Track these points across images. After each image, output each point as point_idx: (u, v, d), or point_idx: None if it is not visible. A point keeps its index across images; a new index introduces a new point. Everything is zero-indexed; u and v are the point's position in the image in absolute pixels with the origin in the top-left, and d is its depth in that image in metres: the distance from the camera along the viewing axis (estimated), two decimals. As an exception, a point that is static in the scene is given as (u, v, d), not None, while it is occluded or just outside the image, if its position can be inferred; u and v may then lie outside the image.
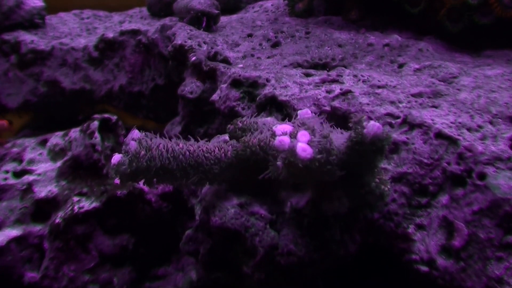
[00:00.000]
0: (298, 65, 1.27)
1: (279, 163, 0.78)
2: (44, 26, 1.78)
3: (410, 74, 1.18)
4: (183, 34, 1.35)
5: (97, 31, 1.77)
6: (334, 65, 1.27)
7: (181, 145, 0.86)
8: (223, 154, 0.87)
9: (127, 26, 1.63)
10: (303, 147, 0.76)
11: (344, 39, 1.37)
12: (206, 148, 0.87)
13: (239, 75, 1.17)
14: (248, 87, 1.15)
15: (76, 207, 1.25)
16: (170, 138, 0.87)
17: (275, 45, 1.39)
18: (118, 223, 1.28)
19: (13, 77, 1.68)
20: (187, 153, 0.85)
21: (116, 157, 0.83)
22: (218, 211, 0.88)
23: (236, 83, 1.17)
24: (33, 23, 1.75)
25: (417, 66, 1.21)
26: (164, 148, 0.85)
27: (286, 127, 0.82)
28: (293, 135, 0.78)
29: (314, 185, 0.84)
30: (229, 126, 0.94)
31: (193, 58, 1.28)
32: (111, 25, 1.81)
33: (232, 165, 0.87)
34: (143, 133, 0.86)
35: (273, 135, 0.82)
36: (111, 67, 1.59)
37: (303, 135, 0.77)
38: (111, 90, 1.58)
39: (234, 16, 1.59)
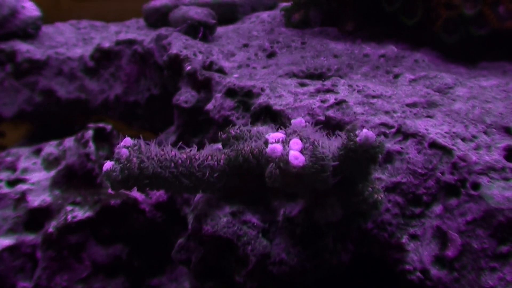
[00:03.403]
0: (294, 75, 1.27)
1: (271, 170, 0.77)
2: (39, 36, 1.78)
3: (405, 84, 1.18)
4: (178, 43, 1.35)
5: (93, 41, 1.77)
6: (330, 75, 1.27)
7: (173, 152, 0.86)
8: (215, 163, 0.87)
9: (123, 36, 1.63)
10: (295, 155, 0.75)
11: (339, 50, 1.37)
12: (199, 156, 0.87)
13: (234, 84, 1.16)
14: (242, 97, 1.15)
15: (69, 216, 1.24)
16: (163, 146, 0.86)
17: (271, 55, 1.39)
18: (112, 233, 1.27)
19: (8, 86, 1.68)
20: (180, 161, 0.85)
21: (108, 164, 0.82)
22: (210, 219, 0.87)
23: (230, 92, 1.16)
24: (28, 32, 1.75)
25: (412, 77, 1.20)
26: (156, 156, 0.84)
27: (279, 135, 0.81)
28: (285, 143, 0.78)
29: (307, 193, 0.83)
30: (221, 133, 0.94)
31: (188, 68, 1.28)
32: (108, 35, 1.81)
33: (225, 173, 0.87)
34: (135, 141, 0.86)
35: (267, 143, 0.81)
36: (107, 76, 1.59)
37: (295, 143, 0.77)
38: (106, 100, 1.58)
39: (231, 27, 1.59)
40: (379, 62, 1.31)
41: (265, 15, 1.67)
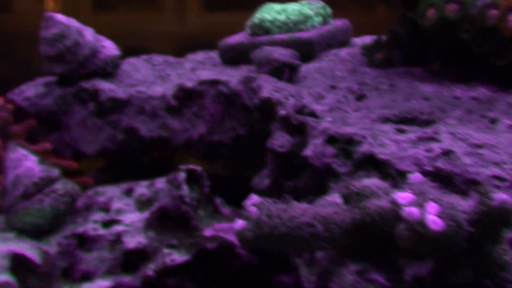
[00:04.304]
0: (387, 119, 1.28)
1: (404, 232, 0.79)
2: (118, 74, 1.82)
3: (504, 131, 1.18)
4: (269, 86, 1.37)
5: (170, 78, 1.80)
6: (423, 119, 1.28)
7: (299, 210, 0.87)
8: (340, 220, 0.88)
9: (204, 75, 1.66)
10: (434, 220, 0.76)
11: (429, 92, 1.38)
12: (324, 213, 0.88)
13: (335, 132, 1.18)
14: (343, 144, 1.17)
15: (167, 259, 1.27)
16: (287, 203, 0.88)
17: (360, 97, 1.40)
18: (208, 276, 1.29)
19: (91, 125, 1.72)
20: (307, 219, 0.87)
21: (240, 223, 0.84)
22: (336, 277, 0.88)
23: (331, 139, 1.18)
24: (108, 71, 1.78)
25: (510, 122, 1.21)
26: (285, 215, 0.86)
27: (407, 195, 0.83)
28: (419, 205, 0.79)
29: (438, 255, 0.84)
30: (345, 188, 0.94)
31: (282, 112, 1.30)
32: (184, 71, 1.84)
33: (350, 231, 0.88)
34: (262, 198, 0.88)
35: (394, 203, 0.83)
36: (190, 116, 1.61)
37: (432, 207, 0.78)
38: (189, 139, 1.60)
39: (310, 66, 1.61)
40: (472, 106, 1.31)
41: (343, 52, 1.69)
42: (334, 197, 1.01)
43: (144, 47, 2.33)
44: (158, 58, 2.00)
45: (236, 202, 1.46)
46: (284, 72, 1.47)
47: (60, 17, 1.75)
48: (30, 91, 1.80)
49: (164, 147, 1.69)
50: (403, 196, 0.82)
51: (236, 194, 1.47)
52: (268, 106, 1.35)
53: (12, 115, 1.69)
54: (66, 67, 1.74)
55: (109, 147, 1.70)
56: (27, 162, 1.39)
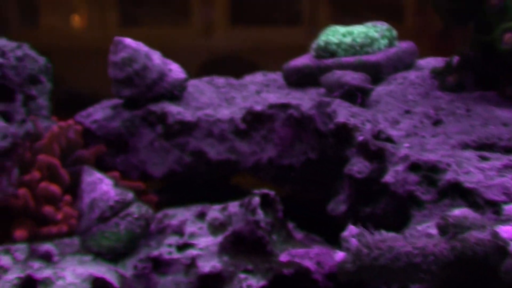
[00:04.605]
0: (466, 145, 1.27)
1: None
2: (184, 96, 1.84)
3: None
4: (344, 111, 1.37)
5: (235, 101, 1.82)
6: (502, 145, 1.26)
7: (398, 241, 0.87)
8: (439, 252, 0.87)
9: (272, 98, 1.67)
10: (545, 255, 0.75)
11: (506, 117, 1.36)
12: (422, 244, 0.87)
13: (417, 158, 1.17)
14: (427, 171, 1.16)
15: (244, 285, 1.27)
16: (383, 233, 0.87)
17: (437, 123, 1.39)
18: (284, 302, 1.28)
19: (158, 147, 1.74)
20: (406, 250, 0.86)
21: (340, 255, 0.84)
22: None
23: (414, 166, 1.17)
24: (175, 94, 1.80)
25: None
26: (384, 246, 0.85)
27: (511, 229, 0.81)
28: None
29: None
30: (440, 218, 0.93)
31: (361, 138, 1.29)
32: (248, 94, 1.85)
33: (449, 264, 0.87)
34: (360, 229, 0.87)
35: (497, 237, 0.81)
36: (258, 139, 1.62)
37: (542, 242, 0.77)
38: (258, 162, 1.61)
39: (380, 89, 1.60)
40: (552, 131, 1.29)
41: (412, 76, 1.67)
42: (425, 227, 1.00)
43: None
44: (220, 80, 2.01)
45: (306, 226, 1.46)
46: (357, 96, 1.46)
47: (128, 41, 1.77)
48: (98, 113, 1.83)
49: (231, 170, 1.70)
50: (506, 230, 0.81)
51: (304, 217, 1.47)
52: (344, 132, 1.34)
53: (80, 137, 1.72)
54: (134, 91, 1.76)
55: (176, 169, 1.71)
56: (102, 186, 1.41)
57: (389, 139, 1.31)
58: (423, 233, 0.97)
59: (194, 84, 1.95)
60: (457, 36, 2.32)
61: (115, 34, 2.46)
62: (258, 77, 2.06)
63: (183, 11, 2.90)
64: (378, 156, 1.27)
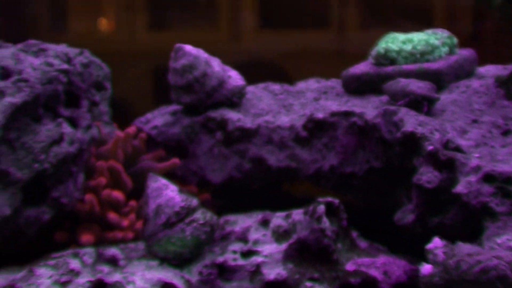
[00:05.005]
0: (538, 156, 1.25)
1: None
2: (242, 103, 1.84)
3: None
4: (411, 120, 1.36)
5: (293, 108, 1.82)
6: None
7: (484, 256, 0.86)
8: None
9: (333, 106, 1.67)
10: None
11: None
12: (509, 258, 0.86)
13: (491, 169, 1.16)
14: (501, 183, 1.14)
15: (311, 293, 1.27)
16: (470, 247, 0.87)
17: (506, 133, 1.37)
18: (351, 311, 1.28)
19: (218, 153, 1.75)
20: (494, 263, 0.85)
21: (427, 268, 0.83)
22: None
23: (488, 177, 1.16)
24: (234, 101, 1.81)
25: None
26: (470, 259, 0.84)
27: None
28: None
29: None
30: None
31: (430, 148, 1.28)
32: (306, 101, 1.85)
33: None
34: (444, 242, 0.86)
35: None
36: (320, 147, 1.62)
37: None
38: (319, 170, 1.61)
39: (444, 98, 1.58)
40: None
41: (475, 84, 1.65)
42: (505, 240, 0.99)
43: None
44: (275, 87, 2.01)
45: (367, 235, 1.46)
46: (423, 105, 1.45)
47: (189, 48, 1.79)
48: (157, 120, 1.85)
49: (291, 177, 1.70)
50: None
51: (366, 226, 1.46)
52: (411, 141, 1.33)
53: (144, 143, 1.74)
54: (194, 97, 1.78)
55: (236, 176, 1.72)
56: (168, 192, 1.42)
57: (458, 149, 1.30)
58: (505, 246, 0.95)
59: (251, 91, 1.95)
60: (485, 41, 2.31)
61: (143, 37, 2.49)
62: (312, 83, 2.05)
63: (211, 15, 2.92)
64: (447, 166, 1.26)
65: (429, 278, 0.82)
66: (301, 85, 2.06)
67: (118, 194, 1.54)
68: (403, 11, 2.74)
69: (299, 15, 2.86)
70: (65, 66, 1.51)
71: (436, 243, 0.86)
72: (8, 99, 1.38)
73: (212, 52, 1.81)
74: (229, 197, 1.92)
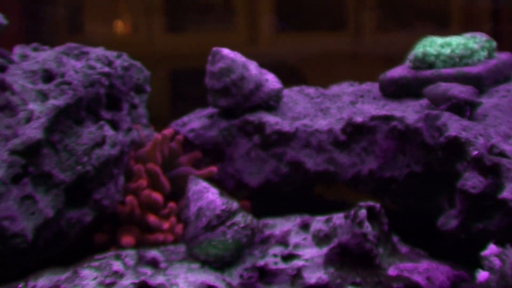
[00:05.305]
0: None
1: None
2: (279, 106, 1.84)
3: None
4: (455, 125, 1.35)
5: (330, 111, 1.81)
6: None
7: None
8: None
9: (370, 110, 1.67)
10: None
11: None
12: None
13: (540, 176, 1.15)
14: (549, 189, 1.13)
15: (353, 298, 1.27)
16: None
17: (552, 138, 1.36)
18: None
19: (255, 157, 1.75)
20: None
21: (483, 275, 0.83)
22: None
23: (536, 184, 1.15)
24: (271, 105, 1.82)
25: None
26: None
27: None
28: None
29: None
30: None
31: (475, 153, 1.28)
32: (343, 105, 1.85)
33: None
34: (500, 248, 0.86)
35: None
36: (359, 151, 1.61)
37: None
38: (358, 174, 1.60)
39: (484, 102, 1.56)
40: None
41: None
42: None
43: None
44: (310, 90, 2.01)
45: (406, 239, 1.45)
46: (465, 110, 1.44)
47: (226, 51, 1.80)
48: (194, 123, 1.86)
49: (329, 181, 1.69)
50: None
51: (405, 230, 1.45)
52: (455, 146, 1.32)
53: (181, 146, 1.75)
54: (231, 101, 1.78)
55: (273, 179, 1.72)
56: (209, 195, 1.43)
57: (503, 154, 1.29)
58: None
59: (287, 94, 1.95)
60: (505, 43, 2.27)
61: (160, 39, 2.49)
62: (345, 87, 2.05)
63: (229, 18, 2.92)
64: (493, 171, 1.25)
65: (486, 285, 0.81)
66: (335, 88, 2.06)
67: (157, 196, 1.55)
68: (420, 13, 2.72)
69: (317, 18, 2.86)
70: (107, 69, 1.52)
71: (492, 250, 0.86)
72: (52, 102, 1.39)
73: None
74: (262, 200, 1.92)
